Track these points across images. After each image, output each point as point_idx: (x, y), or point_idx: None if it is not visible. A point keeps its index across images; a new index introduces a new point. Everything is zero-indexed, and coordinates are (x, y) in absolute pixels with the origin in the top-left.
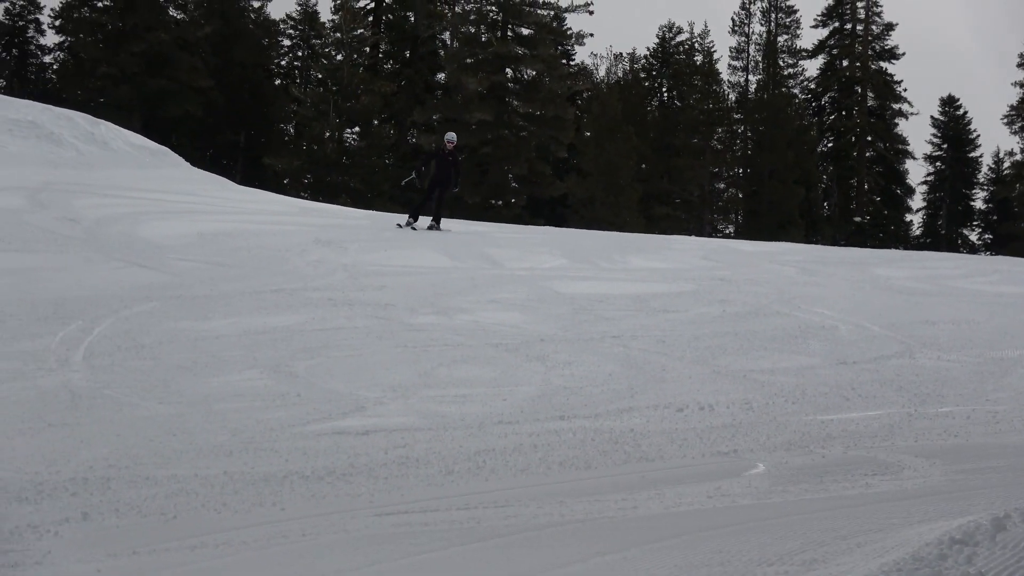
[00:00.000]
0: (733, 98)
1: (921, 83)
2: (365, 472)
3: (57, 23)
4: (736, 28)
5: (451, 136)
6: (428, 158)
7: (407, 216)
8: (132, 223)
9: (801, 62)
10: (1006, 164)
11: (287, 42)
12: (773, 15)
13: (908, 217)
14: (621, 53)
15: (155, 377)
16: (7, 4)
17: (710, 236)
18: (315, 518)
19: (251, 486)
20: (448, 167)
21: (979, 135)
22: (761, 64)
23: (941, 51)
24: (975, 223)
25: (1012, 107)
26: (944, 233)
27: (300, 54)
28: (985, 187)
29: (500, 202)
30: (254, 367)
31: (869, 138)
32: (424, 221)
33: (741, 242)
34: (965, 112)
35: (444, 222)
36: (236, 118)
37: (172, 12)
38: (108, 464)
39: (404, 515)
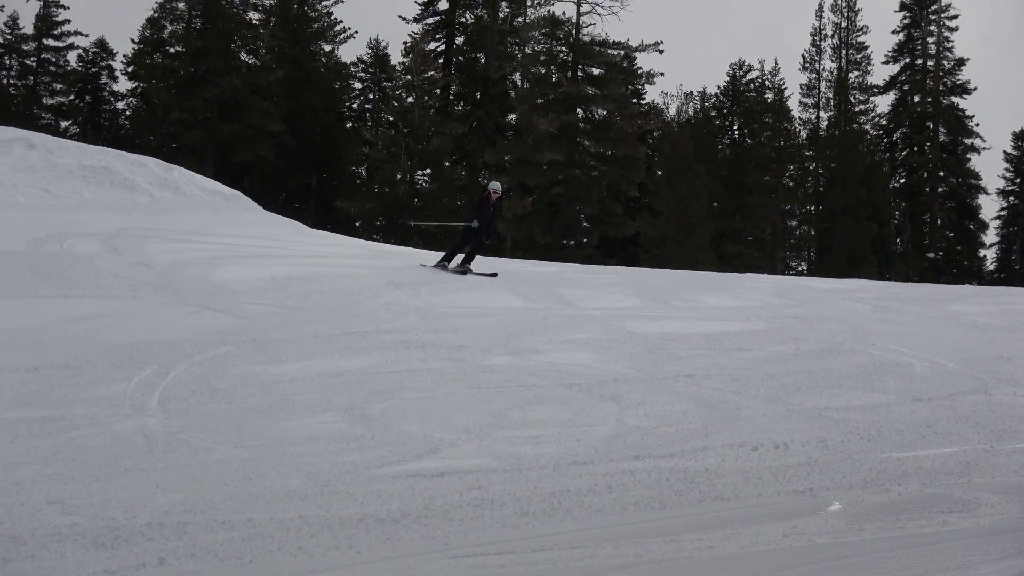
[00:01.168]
0: (804, 135)
1: (993, 118)
2: (440, 514)
3: (130, 69)
4: (807, 65)
5: (496, 185)
6: (479, 208)
7: (443, 260)
8: (205, 268)
9: (872, 98)
10: None
11: (358, 85)
12: (844, 51)
13: (982, 252)
14: (692, 91)
15: (230, 421)
16: (80, 51)
17: (782, 274)
18: (390, 561)
19: (326, 530)
20: (491, 216)
21: None
22: (832, 100)
23: (1013, 85)
24: None
25: None
26: (1019, 268)
27: (371, 97)
28: None
29: (572, 242)
30: (328, 410)
31: (941, 173)
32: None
33: (814, 279)
34: None
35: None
36: (308, 161)
37: (244, 57)
38: (184, 509)
39: (479, 557)
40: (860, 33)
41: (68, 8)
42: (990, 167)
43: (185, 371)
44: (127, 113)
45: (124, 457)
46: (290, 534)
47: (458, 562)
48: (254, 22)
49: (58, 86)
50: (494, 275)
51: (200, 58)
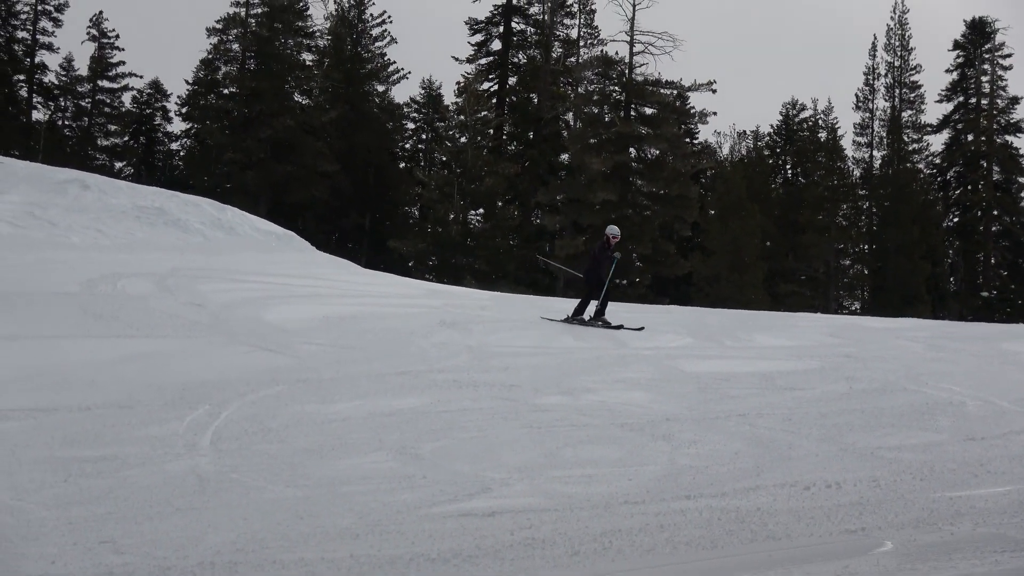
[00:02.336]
0: (858, 174)
1: None
2: (491, 554)
3: (184, 110)
4: (860, 104)
5: (615, 230)
6: (598, 250)
7: (577, 315)
8: (258, 307)
9: (926, 137)
10: None
11: (411, 125)
12: (897, 91)
13: None
14: (744, 131)
15: (281, 460)
16: (135, 92)
17: (836, 313)
18: None
19: (377, 569)
20: (608, 262)
21: None
22: (886, 140)
23: None
24: None
25: None
26: None
27: (424, 137)
28: None
29: (625, 281)
30: (380, 449)
31: (995, 212)
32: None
33: (867, 318)
34: None
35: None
36: (361, 201)
37: (297, 98)
38: (235, 548)
39: None
40: (913, 72)
41: (123, 50)
42: None
43: (237, 410)
44: (181, 154)
45: (176, 497)
46: (341, 573)
47: None
48: (308, 63)
49: (112, 127)
50: (640, 328)
51: (254, 99)
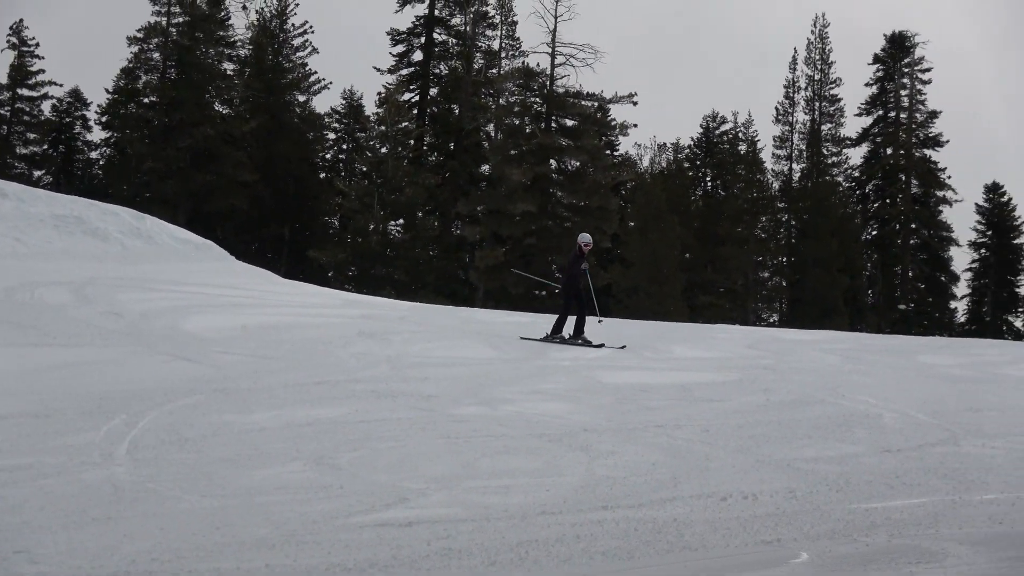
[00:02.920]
0: (777, 187)
1: (965, 170)
2: (408, 564)
3: (104, 119)
4: (780, 117)
5: (587, 237)
6: (574, 260)
7: (555, 334)
8: (176, 317)
9: (845, 150)
10: None
11: (332, 135)
12: (817, 104)
13: (953, 304)
14: (665, 143)
15: (198, 470)
16: (54, 101)
17: (754, 325)
18: None
19: None
20: (581, 273)
21: (1023, 221)
22: (805, 152)
23: (984, 138)
24: (1020, 309)
25: None
26: (989, 320)
27: (345, 147)
28: None
29: (544, 292)
30: (297, 459)
31: (913, 225)
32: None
33: (785, 331)
34: (1010, 199)
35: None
36: (281, 211)
37: (218, 107)
38: (151, 558)
39: None
40: (833, 86)
41: (43, 58)
42: (961, 219)
43: (154, 420)
44: (100, 163)
45: (92, 506)
46: None
47: None
48: (228, 73)
49: (32, 135)
50: (623, 347)
51: (174, 108)
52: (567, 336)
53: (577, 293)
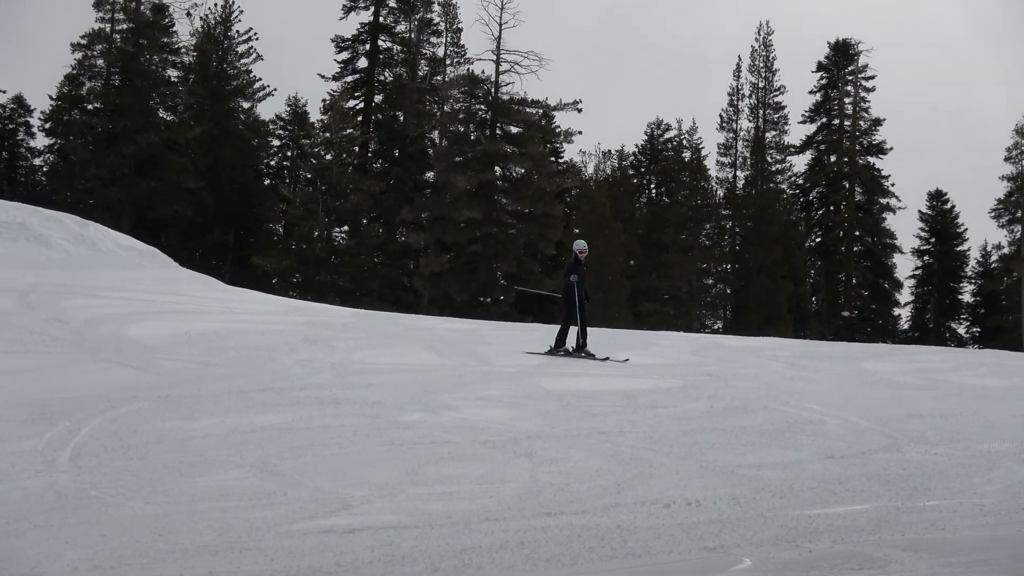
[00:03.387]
0: (721, 194)
1: (908, 177)
2: (351, 570)
3: (47, 126)
4: (724, 125)
5: (582, 244)
6: (572, 270)
7: (559, 346)
8: (120, 324)
9: (789, 158)
10: (993, 257)
11: (276, 142)
12: (761, 111)
13: (896, 311)
14: (609, 150)
15: (141, 477)
16: None
17: (698, 332)
18: None
19: None
20: (583, 277)
21: (966, 228)
22: (749, 160)
23: (928, 145)
24: (963, 316)
25: (999, 200)
26: (932, 327)
27: (289, 154)
28: (973, 280)
29: (488, 299)
30: (241, 466)
31: (857, 232)
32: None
33: (729, 337)
34: (953, 206)
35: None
36: (225, 218)
37: (162, 114)
38: (93, 565)
39: None
40: (777, 93)
41: None
42: (905, 226)
43: (97, 427)
44: (44, 169)
45: (34, 513)
46: None
47: None
48: (173, 79)
49: None
50: (625, 360)
51: (118, 115)
52: (571, 348)
53: (579, 302)
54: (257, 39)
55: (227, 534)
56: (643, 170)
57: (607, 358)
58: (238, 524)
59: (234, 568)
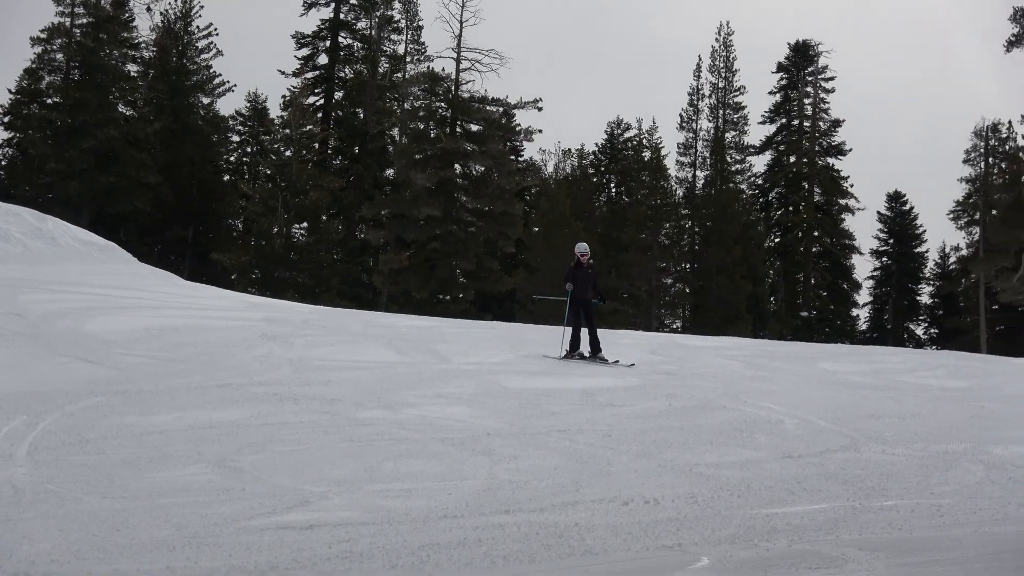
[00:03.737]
0: (681, 193)
1: (867, 179)
2: (308, 566)
3: (6, 119)
4: (684, 124)
5: (583, 247)
6: (572, 274)
7: (565, 348)
8: (79, 318)
9: (749, 158)
10: (952, 259)
11: (236, 138)
12: (721, 112)
13: (854, 312)
14: (569, 149)
15: (99, 472)
16: None
17: (657, 331)
18: None
19: None
20: (587, 280)
21: (925, 230)
22: (709, 160)
23: (887, 147)
24: (921, 318)
25: (958, 202)
26: (890, 328)
27: (249, 150)
28: (931, 282)
29: (448, 297)
30: (199, 462)
31: (816, 233)
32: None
33: (688, 336)
34: (911, 208)
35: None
36: (184, 214)
37: (121, 109)
38: (50, 559)
39: None
40: (737, 94)
41: None
42: (864, 227)
43: (55, 421)
44: (2, 163)
45: None
46: None
47: None
48: (132, 74)
49: None
50: (631, 365)
51: (78, 109)
52: (585, 353)
53: (584, 308)
54: (217, 34)
55: (185, 529)
56: (603, 169)
57: (616, 361)
58: (196, 519)
59: (192, 563)
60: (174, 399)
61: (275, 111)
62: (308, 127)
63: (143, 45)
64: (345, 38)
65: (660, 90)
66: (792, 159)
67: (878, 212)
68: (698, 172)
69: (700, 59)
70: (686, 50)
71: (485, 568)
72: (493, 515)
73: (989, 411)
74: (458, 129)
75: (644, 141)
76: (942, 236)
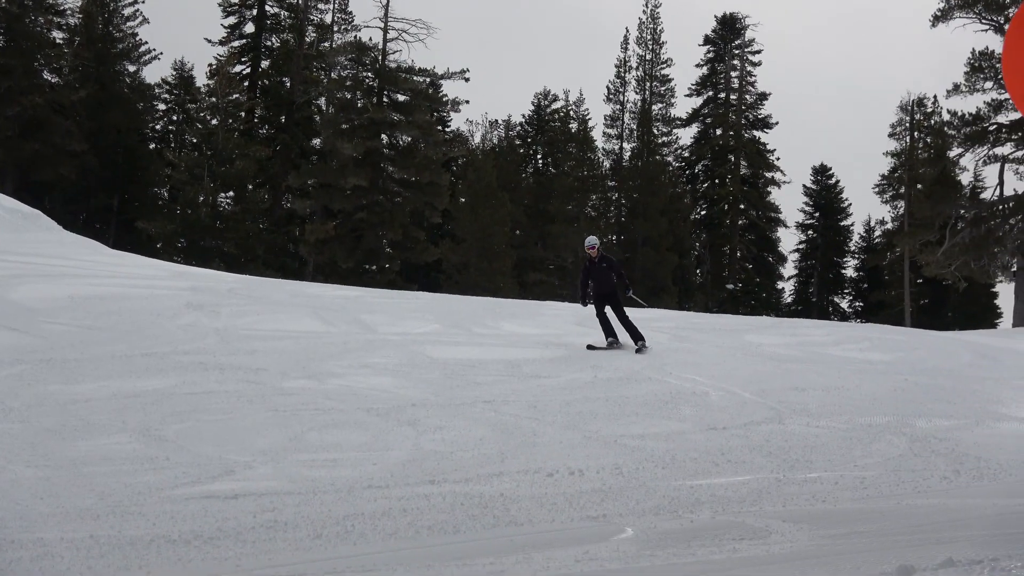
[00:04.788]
0: (608, 165)
1: (793, 152)
2: (233, 536)
3: None
4: (611, 96)
5: (591, 240)
6: (585, 275)
7: (607, 338)
8: (2, 286)
9: (675, 130)
10: (877, 233)
11: (162, 106)
12: (648, 84)
13: (780, 284)
14: (496, 120)
15: (23, 440)
16: None
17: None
18: None
19: (117, 550)
20: (605, 274)
21: (850, 204)
22: (636, 132)
23: (813, 120)
24: (846, 291)
25: (883, 176)
26: (815, 301)
27: (175, 119)
28: (856, 255)
29: (374, 267)
30: (123, 431)
31: (742, 206)
32: (621, 336)
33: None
34: (837, 181)
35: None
36: (110, 182)
37: (47, 76)
38: None
39: None
40: (664, 66)
41: None
42: (790, 201)
43: None
44: None
45: None
46: (80, 554)
47: None
48: (58, 41)
49: None
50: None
51: (2, 76)
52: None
53: (606, 293)
54: (143, 2)
55: (109, 498)
56: (529, 140)
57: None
58: (120, 488)
59: (116, 532)
60: (99, 368)
61: (201, 80)
62: (234, 96)
63: (69, 12)
64: (272, 7)
65: (588, 62)
66: (719, 132)
67: (804, 185)
68: (625, 144)
69: (628, 31)
70: (614, 22)
71: (410, 538)
72: (418, 485)
73: (912, 384)
74: (385, 99)
75: (571, 113)
76: (867, 210)
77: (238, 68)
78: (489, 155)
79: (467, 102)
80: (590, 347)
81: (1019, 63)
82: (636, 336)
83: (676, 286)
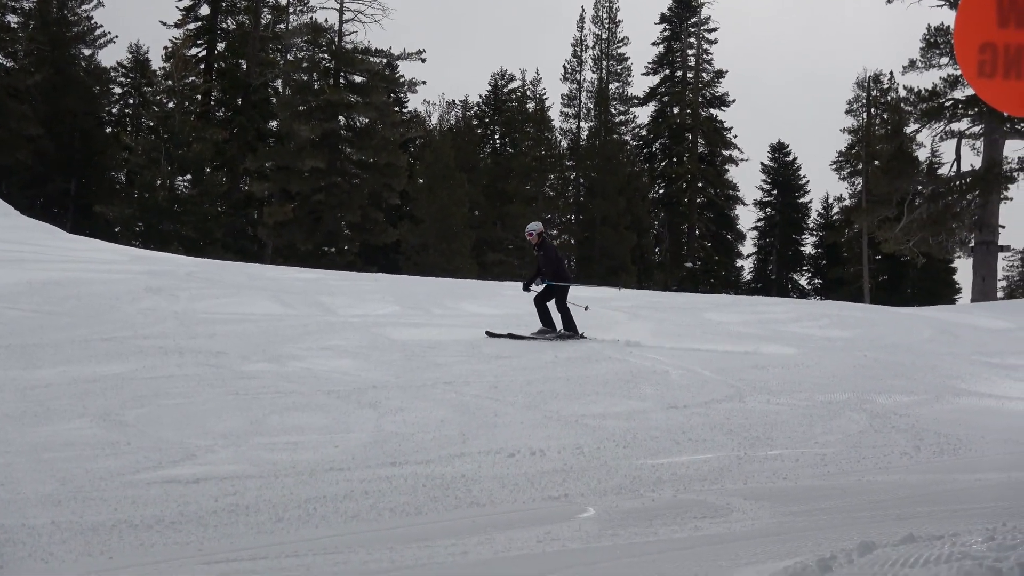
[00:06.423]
0: (565, 145)
1: (751, 130)
2: (194, 520)
3: None
4: (568, 76)
5: (529, 227)
6: (537, 268)
7: (568, 328)
8: None
9: (632, 109)
10: (835, 209)
11: (118, 90)
12: (604, 63)
13: (739, 262)
14: (453, 100)
15: None
16: None
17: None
18: (143, 567)
19: (79, 535)
20: (541, 262)
21: (808, 181)
22: (593, 111)
23: (770, 98)
24: (805, 268)
25: (840, 153)
26: (775, 278)
27: (131, 102)
28: (815, 232)
29: (333, 249)
30: (83, 416)
31: (700, 184)
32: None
33: (574, 288)
34: (795, 158)
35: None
36: (66, 166)
37: (1, 60)
38: None
39: (233, 563)
40: (621, 44)
41: None
42: (748, 178)
43: None
44: None
45: None
46: (42, 540)
47: (211, 568)
48: (12, 25)
49: None
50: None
51: None
52: (563, 332)
53: (548, 280)
54: None
55: (70, 483)
56: (487, 120)
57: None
58: (81, 473)
59: (77, 517)
60: (58, 353)
61: (157, 63)
62: (191, 79)
63: None
64: None
65: (544, 42)
66: (676, 110)
67: (761, 163)
68: (582, 123)
69: (583, 10)
70: (570, 1)
71: (372, 520)
72: (380, 467)
73: (872, 360)
74: (342, 81)
75: (528, 92)
76: (825, 187)
77: (194, 51)
78: (447, 136)
79: (424, 83)
80: (489, 334)
81: (970, 38)
82: (569, 326)
83: (635, 265)
